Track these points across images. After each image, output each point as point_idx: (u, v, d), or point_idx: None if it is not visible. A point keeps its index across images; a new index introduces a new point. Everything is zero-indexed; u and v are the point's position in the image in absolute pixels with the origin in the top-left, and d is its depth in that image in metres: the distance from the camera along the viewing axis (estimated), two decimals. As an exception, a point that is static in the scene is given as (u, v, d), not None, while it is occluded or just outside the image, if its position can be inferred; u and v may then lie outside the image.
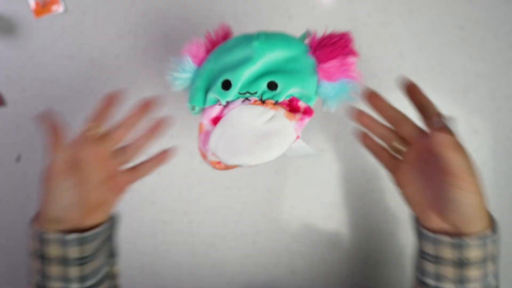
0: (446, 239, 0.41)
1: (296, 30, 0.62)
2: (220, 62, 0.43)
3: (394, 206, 0.62)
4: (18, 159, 0.64)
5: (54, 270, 0.43)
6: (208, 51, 0.44)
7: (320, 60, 0.42)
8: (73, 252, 0.43)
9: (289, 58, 0.42)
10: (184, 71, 0.45)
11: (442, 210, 0.42)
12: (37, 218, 0.46)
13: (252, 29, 0.62)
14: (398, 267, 0.62)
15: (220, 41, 0.45)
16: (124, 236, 0.63)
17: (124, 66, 0.63)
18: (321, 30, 0.62)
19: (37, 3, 0.63)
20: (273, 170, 0.62)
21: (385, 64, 0.62)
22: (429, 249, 0.43)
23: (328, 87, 0.43)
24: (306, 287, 0.63)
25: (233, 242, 0.63)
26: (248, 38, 0.43)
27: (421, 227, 0.45)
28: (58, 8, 0.62)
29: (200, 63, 0.45)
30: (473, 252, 0.41)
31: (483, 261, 0.42)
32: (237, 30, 0.62)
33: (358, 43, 0.62)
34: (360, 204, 0.62)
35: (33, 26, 0.63)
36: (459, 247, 0.41)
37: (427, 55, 0.62)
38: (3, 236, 0.64)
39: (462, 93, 0.62)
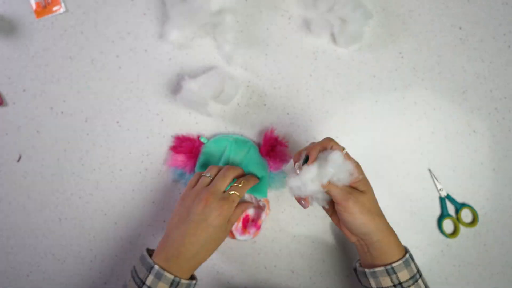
0: (380, 268, 0.49)
1: (296, 30, 0.62)
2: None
3: (394, 206, 0.62)
4: (18, 159, 0.64)
5: None
6: (190, 157, 0.60)
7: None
8: None
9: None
10: (182, 177, 0.62)
11: (352, 231, 0.51)
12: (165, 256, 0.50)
13: (252, 28, 0.62)
14: (398, 266, 0.62)
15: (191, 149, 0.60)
16: (125, 235, 0.63)
17: (124, 66, 0.63)
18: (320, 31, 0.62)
19: (37, 4, 0.63)
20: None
21: (384, 64, 0.62)
22: (372, 284, 0.50)
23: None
24: (306, 287, 0.63)
25: (233, 241, 0.63)
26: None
27: (360, 268, 0.52)
28: (59, 9, 0.63)
29: (191, 168, 0.60)
30: (403, 274, 0.48)
31: (413, 278, 0.49)
32: (237, 29, 0.63)
33: (358, 43, 0.63)
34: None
35: (34, 27, 0.63)
36: (393, 272, 0.48)
37: (426, 55, 0.63)
38: (3, 236, 0.64)
39: (461, 93, 0.62)
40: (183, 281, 0.48)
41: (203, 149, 0.60)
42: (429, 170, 0.62)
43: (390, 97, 0.63)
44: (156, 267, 0.47)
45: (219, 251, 0.63)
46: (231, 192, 0.51)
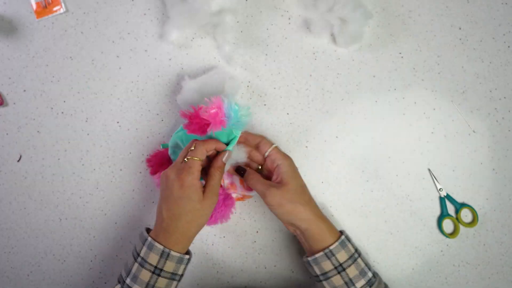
0: (320, 254, 0.51)
1: (296, 30, 0.62)
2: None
3: (394, 206, 0.62)
4: (18, 159, 0.64)
5: (161, 282, 0.49)
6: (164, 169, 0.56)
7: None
8: (181, 269, 0.51)
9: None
10: None
11: (282, 222, 0.55)
12: (160, 232, 0.51)
13: (252, 28, 0.62)
14: (397, 266, 0.62)
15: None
16: (125, 235, 0.63)
17: (124, 66, 0.63)
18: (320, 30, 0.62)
19: (38, 4, 0.63)
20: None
21: (384, 64, 0.62)
22: (317, 271, 0.52)
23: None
24: (306, 286, 0.63)
25: (233, 241, 0.63)
26: None
27: (305, 259, 0.54)
28: (59, 9, 0.63)
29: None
30: (341, 255, 0.51)
31: (352, 258, 0.52)
32: (237, 29, 0.63)
33: (358, 44, 0.63)
34: (360, 204, 0.62)
35: (34, 27, 0.63)
36: (331, 254, 0.51)
37: (426, 55, 0.63)
38: (3, 236, 0.64)
39: (461, 93, 0.62)
40: (174, 253, 0.49)
41: (170, 155, 0.59)
42: (429, 170, 0.62)
43: (390, 97, 0.63)
44: (149, 238, 0.50)
45: (219, 251, 0.63)
46: (187, 158, 0.50)
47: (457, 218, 0.62)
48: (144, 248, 0.50)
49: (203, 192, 0.51)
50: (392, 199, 0.62)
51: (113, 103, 0.63)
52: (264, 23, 0.63)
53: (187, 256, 0.51)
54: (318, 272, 0.52)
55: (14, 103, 0.64)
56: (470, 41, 0.63)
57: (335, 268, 0.51)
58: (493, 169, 0.63)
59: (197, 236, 0.62)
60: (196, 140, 0.52)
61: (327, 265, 0.51)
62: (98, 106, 0.63)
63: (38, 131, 0.64)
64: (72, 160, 0.63)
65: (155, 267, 0.49)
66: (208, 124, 0.51)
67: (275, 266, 0.63)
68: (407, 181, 0.62)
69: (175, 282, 0.51)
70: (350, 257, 0.51)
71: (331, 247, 0.51)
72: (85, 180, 0.63)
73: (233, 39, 0.62)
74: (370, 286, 0.51)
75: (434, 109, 0.63)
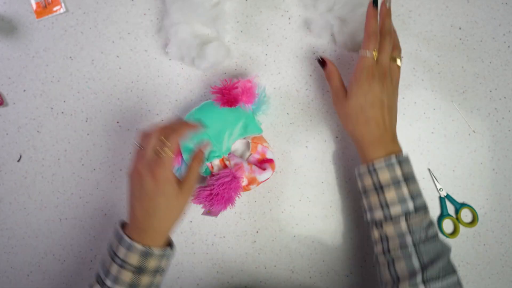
0: (363, 166, 0.50)
1: (296, 30, 0.63)
2: None
3: (394, 206, 0.62)
4: (18, 159, 0.64)
5: (144, 280, 0.48)
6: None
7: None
8: (165, 265, 0.50)
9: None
10: (177, 171, 0.59)
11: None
12: (135, 229, 0.48)
13: (252, 28, 0.62)
14: (398, 266, 0.62)
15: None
16: (124, 236, 0.63)
17: (124, 66, 0.63)
18: (319, 31, 0.62)
19: (38, 4, 0.63)
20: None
21: (384, 64, 0.62)
22: (359, 184, 0.52)
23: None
24: (306, 286, 0.63)
25: (233, 241, 0.63)
26: None
27: (356, 172, 0.53)
28: (59, 9, 0.63)
29: (180, 162, 0.58)
30: (383, 175, 0.48)
31: (395, 182, 0.48)
32: (237, 30, 0.63)
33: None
34: (360, 204, 0.62)
35: (34, 27, 0.63)
36: (373, 171, 0.48)
37: (426, 55, 0.63)
38: (4, 236, 0.64)
39: (461, 93, 0.63)
40: (155, 251, 0.47)
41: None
42: (429, 170, 0.62)
43: (390, 97, 0.63)
44: (126, 239, 0.47)
45: (219, 251, 0.63)
46: (160, 152, 0.46)
47: (457, 218, 0.62)
48: (122, 249, 0.47)
49: (180, 185, 0.48)
50: (392, 199, 0.62)
51: (113, 103, 0.63)
52: (264, 23, 0.63)
53: (168, 250, 0.49)
54: (360, 186, 0.51)
55: (14, 103, 0.64)
56: (470, 41, 0.63)
57: (375, 187, 0.49)
58: (493, 169, 0.63)
59: (197, 236, 0.63)
60: (167, 127, 0.48)
61: (368, 181, 0.50)
62: (98, 106, 0.63)
63: (38, 131, 0.64)
64: (72, 160, 0.63)
65: (137, 267, 0.47)
66: (235, 99, 0.54)
67: (275, 266, 0.63)
68: (407, 181, 0.62)
69: (158, 275, 0.49)
70: (393, 180, 0.48)
71: (375, 162, 0.49)
72: (85, 180, 0.63)
73: (233, 39, 0.62)
74: (406, 218, 0.47)
75: (434, 109, 0.63)
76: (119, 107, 0.63)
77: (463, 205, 0.62)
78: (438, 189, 0.62)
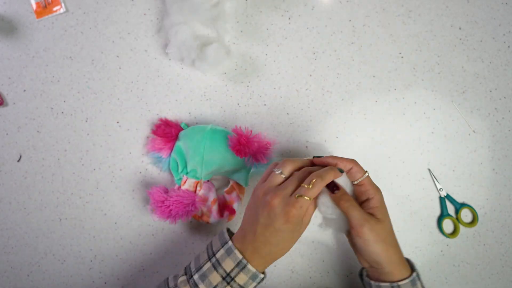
0: (386, 284, 0.49)
1: (296, 30, 0.63)
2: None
3: (394, 206, 0.62)
4: (18, 159, 0.64)
5: None
6: (166, 141, 0.59)
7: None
8: (251, 286, 0.48)
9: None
10: (159, 162, 0.61)
11: (364, 258, 0.51)
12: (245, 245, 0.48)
13: (252, 28, 0.62)
14: (398, 266, 0.62)
15: (169, 132, 0.59)
16: (125, 235, 0.63)
17: (124, 66, 0.63)
18: (320, 31, 0.62)
19: (38, 4, 0.63)
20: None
21: (384, 64, 0.62)
22: None
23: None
24: (306, 287, 0.63)
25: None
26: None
27: (367, 278, 0.52)
28: (59, 9, 0.63)
29: (167, 152, 0.60)
30: None
31: None
32: (237, 29, 0.63)
33: (358, 44, 0.63)
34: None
35: (34, 27, 0.63)
36: None
37: (426, 55, 0.63)
38: (3, 236, 0.64)
39: (461, 93, 0.63)
40: (250, 268, 0.47)
41: (180, 134, 0.59)
42: (429, 170, 0.62)
43: (390, 97, 0.63)
44: (230, 243, 0.47)
45: (219, 251, 0.63)
46: (297, 196, 0.45)
47: (457, 218, 0.62)
48: (222, 251, 0.47)
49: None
50: (392, 199, 0.62)
51: (113, 103, 0.63)
52: (264, 23, 0.63)
53: (261, 275, 0.48)
54: None
55: (14, 103, 0.64)
56: (470, 41, 0.63)
57: None
58: (493, 169, 0.63)
59: (197, 236, 0.63)
60: (312, 169, 0.48)
61: None
62: (98, 106, 0.63)
63: (38, 131, 0.64)
64: (72, 160, 0.63)
65: (227, 273, 0.46)
66: (246, 153, 0.55)
67: (275, 266, 0.63)
68: (407, 181, 0.62)
69: None
70: None
71: (400, 283, 0.48)
72: (85, 180, 0.63)
73: (233, 39, 0.62)
74: None
75: (434, 109, 0.63)
76: (119, 107, 0.63)
77: (463, 205, 0.62)
78: (438, 189, 0.62)
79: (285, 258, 0.62)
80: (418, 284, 0.49)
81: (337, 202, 0.48)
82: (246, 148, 0.55)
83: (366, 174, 0.50)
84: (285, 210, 0.45)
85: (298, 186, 0.47)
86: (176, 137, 0.60)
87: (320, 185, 0.46)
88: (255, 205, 0.48)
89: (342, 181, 0.50)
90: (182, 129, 0.60)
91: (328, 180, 0.47)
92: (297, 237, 0.48)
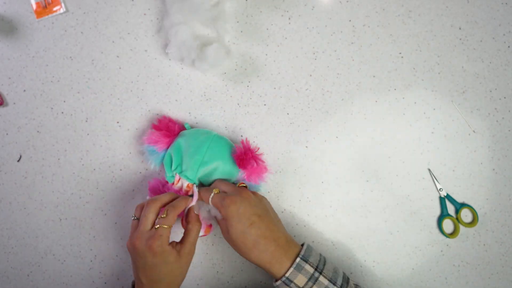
0: (278, 282, 0.50)
1: (296, 30, 0.63)
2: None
3: (394, 206, 0.62)
4: (18, 159, 0.64)
5: None
6: (165, 135, 0.58)
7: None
8: None
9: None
10: (152, 156, 0.59)
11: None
12: None
13: (252, 28, 0.62)
14: (397, 266, 0.62)
15: (170, 128, 0.59)
16: (125, 235, 0.63)
17: (124, 66, 0.63)
18: (320, 31, 0.62)
19: (38, 4, 0.63)
20: (273, 170, 0.62)
21: (384, 64, 0.63)
22: None
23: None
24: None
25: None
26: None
27: (274, 283, 0.52)
28: (59, 9, 0.63)
29: (163, 147, 0.58)
30: (299, 280, 0.49)
31: (312, 279, 0.49)
32: (237, 29, 0.63)
33: (358, 44, 0.63)
34: (360, 204, 0.62)
35: (34, 27, 0.63)
36: (289, 281, 0.49)
37: (426, 55, 0.63)
38: (3, 236, 0.64)
39: (461, 93, 0.63)
40: None
41: (181, 134, 0.59)
42: (429, 170, 0.62)
43: (390, 97, 0.63)
44: None
45: (219, 251, 0.63)
46: (157, 227, 0.49)
47: (457, 218, 0.62)
48: None
49: (180, 248, 0.50)
50: (392, 199, 0.62)
51: (113, 103, 0.63)
52: (264, 23, 0.63)
53: None
54: None
55: (14, 103, 0.64)
56: (470, 41, 0.63)
57: None
58: (493, 169, 0.63)
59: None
60: (163, 201, 0.52)
61: None
62: (98, 106, 0.63)
63: (38, 131, 0.64)
64: (72, 160, 0.63)
65: None
66: (246, 165, 0.56)
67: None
68: (407, 181, 0.62)
69: None
70: (310, 278, 0.49)
71: (287, 274, 0.49)
72: (85, 180, 0.63)
73: (233, 39, 0.62)
74: None
75: (434, 109, 0.63)
76: (119, 107, 0.63)
77: (463, 205, 0.62)
78: (438, 189, 0.62)
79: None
80: (307, 266, 0.50)
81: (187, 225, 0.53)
82: (248, 161, 0.56)
83: (212, 194, 0.53)
84: (148, 244, 0.48)
85: (155, 219, 0.50)
86: (177, 134, 0.59)
87: (174, 212, 0.50)
88: (131, 257, 0.51)
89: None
90: (185, 128, 0.60)
91: (180, 208, 0.51)
92: (183, 264, 0.51)
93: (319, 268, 0.51)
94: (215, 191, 0.53)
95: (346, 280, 0.52)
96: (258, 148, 0.58)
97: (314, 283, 0.49)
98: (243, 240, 0.50)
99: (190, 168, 0.55)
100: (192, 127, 0.62)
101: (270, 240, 0.51)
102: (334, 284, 0.50)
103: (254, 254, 0.50)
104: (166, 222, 0.49)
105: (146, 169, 0.63)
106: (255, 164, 0.56)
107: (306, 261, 0.50)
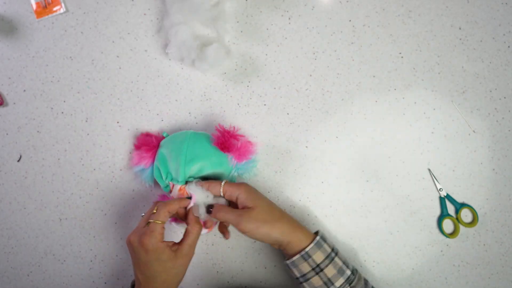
0: (297, 256, 0.51)
1: (296, 30, 0.63)
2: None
3: (394, 206, 0.62)
4: (18, 159, 0.64)
5: None
6: (147, 150, 0.59)
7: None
8: None
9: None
10: (143, 174, 0.60)
11: (268, 243, 0.54)
12: None
13: (252, 28, 0.62)
14: (398, 266, 0.62)
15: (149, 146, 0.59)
16: (125, 235, 0.63)
17: (124, 66, 0.63)
18: (320, 31, 0.62)
19: (38, 4, 0.63)
20: (273, 170, 0.62)
21: (384, 64, 0.63)
22: (296, 273, 0.52)
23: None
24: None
25: (233, 242, 0.63)
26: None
27: (285, 262, 0.54)
28: (59, 9, 0.63)
29: (148, 162, 0.59)
30: (317, 256, 0.51)
31: (329, 258, 0.52)
32: (237, 30, 0.63)
33: (358, 44, 0.63)
34: (360, 204, 0.62)
35: (34, 27, 0.63)
36: (308, 256, 0.51)
37: (426, 55, 0.63)
38: (3, 236, 0.64)
39: (461, 93, 0.63)
40: None
41: (162, 142, 0.59)
42: (429, 170, 0.62)
43: (390, 97, 0.63)
44: None
45: (219, 251, 0.63)
46: (149, 222, 0.49)
47: (457, 218, 0.62)
48: None
49: (177, 249, 0.50)
50: (392, 199, 0.62)
51: (113, 103, 0.63)
52: (264, 23, 0.63)
53: None
54: (297, 274, 0.52)
55: (14, 103, 0.64)
56: (470, 41, 0.63)
57: (313, 269, 0.51)
58: (493, 169, 0.63)
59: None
60: (158, 202, 0.52)
61: (305, 267, 0.51)
62: (98, 106, 0.63)
63: (38, 131, 0.64)
64: (72, 160, 0.63)
65: None
66: (229, 148, 0.56)
67: (275, 266, 0.63)
68: (407, 181, 0.62)
69: None
70: (327, 257, 0.52)
71: (307, 249, 0.51)
72: (85, 180, 0.63)
73: (233, 40, 0.62)
74: (350, 284, 0.52)
75: (434, 109, 0.63)
76: (119, 107, 0.63)
77: (463, 205, 0.62)
78: (438, 189, 0.62)
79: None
80: (325, 245, 0.53)
81: (215, 218, 0.54)
82: (230, 142, 0.56)
83: (223, 183, 0.54)
84: (141, 241, 0.48)
85: (147, 219, 0.50)
86: (157, 146, 0.59)
87: (165, 208, 0.50)
88: (129, 253, 0.51)
89: (222, 201, 0.55)
90: (163, 137, 0.60)
91: (172, 206, 0.51)
92: (179, 265, 0.50)
93: (335, 250, 0.54)
94: (224, 181, 0.55)
95: (355, 269, 0.54)
96: (237, 128, 0.58)
97: (330, 262, 0.51)
98: (271, 210, 0.54)
99: (178, 171, 0.55)
100: (189, 126, 0.62)
101: (291, 216, 0.55)
102: (347, 267, 0.53)
103: (278, 224, 0.52)
104: (156, 217, 0.49)
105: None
106: (238, 143, 0.57)
107: (325, 241, 0.53)
